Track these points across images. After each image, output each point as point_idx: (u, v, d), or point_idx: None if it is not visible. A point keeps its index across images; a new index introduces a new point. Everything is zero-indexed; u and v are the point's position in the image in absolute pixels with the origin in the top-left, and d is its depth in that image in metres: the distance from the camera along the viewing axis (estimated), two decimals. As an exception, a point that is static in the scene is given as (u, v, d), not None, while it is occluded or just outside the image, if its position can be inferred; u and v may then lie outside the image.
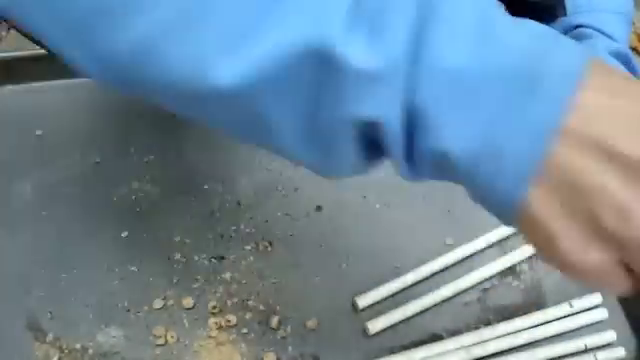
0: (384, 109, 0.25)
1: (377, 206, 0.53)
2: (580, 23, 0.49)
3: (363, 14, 0.25)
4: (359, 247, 0.51)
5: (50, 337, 0.45)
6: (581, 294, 0.49)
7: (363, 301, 0.47)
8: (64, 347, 0.45)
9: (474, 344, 0.46)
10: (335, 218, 0.52)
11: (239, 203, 0.53)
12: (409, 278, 0.49)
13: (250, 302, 0.48)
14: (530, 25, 0.27)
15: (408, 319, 0.47)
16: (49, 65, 0.59)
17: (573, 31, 0.50)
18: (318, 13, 0.25)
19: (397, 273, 0.49)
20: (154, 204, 0.52)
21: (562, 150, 0.25)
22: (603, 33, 0.48)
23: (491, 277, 0.50)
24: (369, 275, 0.49)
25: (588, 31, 0.49)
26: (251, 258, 0.50)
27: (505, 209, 0.27)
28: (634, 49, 1.98)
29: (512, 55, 0.25)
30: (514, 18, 0.27)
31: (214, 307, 0.47)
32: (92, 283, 0.48)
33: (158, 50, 0.27)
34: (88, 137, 0.56)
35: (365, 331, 0.47)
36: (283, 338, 0.46)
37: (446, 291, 0.48)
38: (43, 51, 0.59)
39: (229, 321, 0.46)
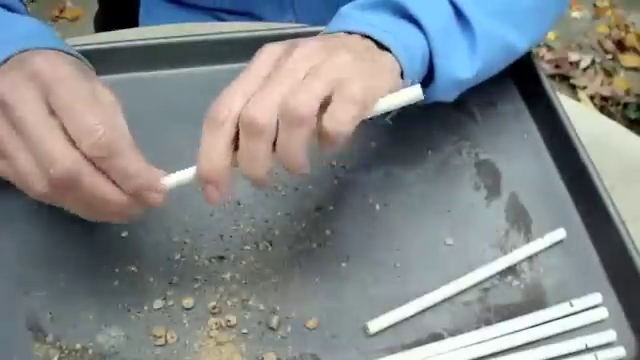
0: None
1: (377, 206, 0.53)
2: None
3: None
4: (359, 247, 0.51)
5: (50, 337, 0.45)
6: (581, 294, 0.49)
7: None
8: (64, 347, 0.45)
9: (474, 344, 0.46)
10: (335, 218, 0.52)
11: (239, 203, 0.53)
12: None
13: (250, 302, 0.48)
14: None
15: (408, 319, 0.47)
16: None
17: None
18: None
19: (397, 273, 0.50)
20: (154, 204, 0.52)
21: None
22: None
23: (491, 277, 0.50)
24: (369, 275, 0.49)
25: None
26: (251, 258, 0.50)
27: None
28: (634, 49, 1.98)
29: None
30: None
31: (214, 307, 0.47)
32: (92, 283, 0.48)
33: None
34: (88, 137, 0.55)
35: (365, 331, 0.47)
36: (283, 338, 0.46)
37: (446, 291, 0.48)
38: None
39: (229, 321, 0.46)
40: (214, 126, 0.38)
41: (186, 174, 0.40)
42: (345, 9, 0.48)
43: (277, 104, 0.38)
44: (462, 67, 0.49)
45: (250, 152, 0.38)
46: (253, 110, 0.37)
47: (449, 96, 0.51)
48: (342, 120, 0.38)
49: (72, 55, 0.44)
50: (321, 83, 0.38)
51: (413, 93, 0.41)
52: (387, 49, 0.43)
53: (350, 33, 0.44)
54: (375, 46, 0.44)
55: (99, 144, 0.36)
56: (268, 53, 0.40)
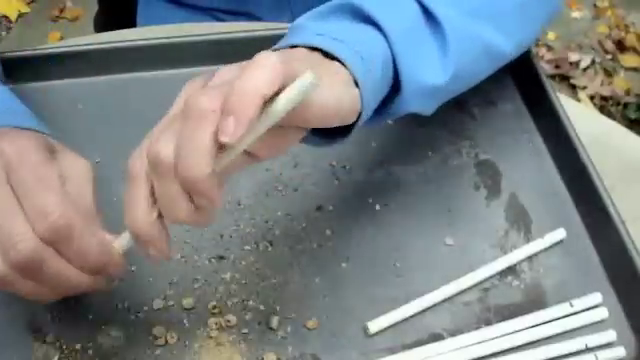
0: None
1: (377, 206, 0.53)
2: None
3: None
4: (359, 247, 0.51)
5: (50, 337, 0.45)
6: (581, 294, 0.49)
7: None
8: (64, 347, 0.45)
9: (474, 344, 0.46)
10: (335, 218, 0.52)
11: (239, 203, 0.53)
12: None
13: (250, 302, 0.48)
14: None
15: (408, 319, 0.47)
16: (49, 65, 0.59)
17: None
18: None
19: (397, 273, 0.50)
20: (154, 204, 0.52)
21: None
22: None
23: (491, 277, 0.50)
24: (369, 275, 0.49)
25: None
26: (251, 258, 0.50)
27: None
28: (634, 49, 1.98)
29: None
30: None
31: (214, 307, 0.47)
32: (92, 283, 0.48)
33: None
34: (88, 137, 0.56)
35: (365, 331, 0.47)
36: (283, 338, 0.46)
37: (446, 291, 0.48)
38: (42, 52, 0.59)
39: (229, 321, 0.46)
40: (129, 182, 0.36)
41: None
42: (299, 20, 0.44)
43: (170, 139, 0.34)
44: (432, 72, 0.44)
45: (165, 194, 0.35)
46: (156, 146, 0.34)
47: (423, 107, 0.46)
48: (247, 87, 0.32)
49: (40, 132, 0.43)
50: (225, 86, 0.33)
51: (304, 79, 0.34)
52: (338, 59, 0.39)
53: (296, 47, 0.40)
54: (323, 57, 0.39)
55: (53, 227, 0.36)
56: (184, 93, 0.37)
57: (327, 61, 0.39)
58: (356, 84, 0.39)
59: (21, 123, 0.42)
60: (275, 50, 0.41)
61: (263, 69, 0.32)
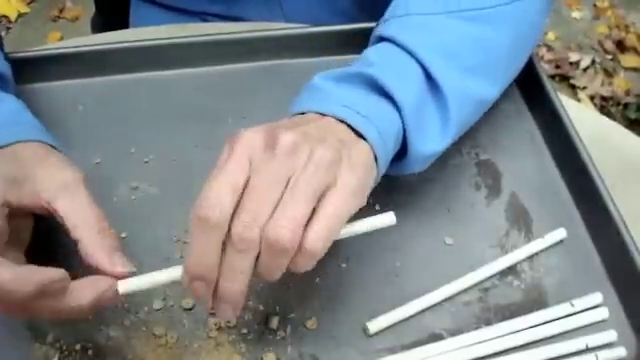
0: None
1: (377, 207, 0.53)
2: (383, 35, 0.49)
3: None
4: (359, 247, 0.51)
5: (50, 338, 0.45)
6: (582, 293, 0.48)
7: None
8: (64, 348, 0.45)
9: (474, 344, 0.46)
10: (335, 218, 0.52)
11: (239, 203, 0.53)
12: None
13: (250, 302, 0.47)
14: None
15: (408, 319, 0.47)
16: (49, 66, 0.59)
17: (377, 44, 0.49)
18: None
19: (397, 273, 0.49)
20: (154, 204, 0.52)
21: None
22: (401, 46, 0.47)
23: (491, 277, 0.50)
24: (369, 275, 0.49)
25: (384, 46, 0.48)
26: (251, 258, 0.50)
27: None
28: (634, 49, 1.98)
29: None
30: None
31: (214, 307, 0.47)
32: (92, 283, 0.48)
33: None
34: (88, 137, 0.56)
35: (365, 331, 0.46)
36: (283, 338, 0.46)
37: (446, 291, 0.48)
38: (43, 52, 0.59)
39: (228, 321, 0.46)
40: (208, 228, 0.37)
41: (162, 275, 0.40)
42: (319, 81, 0.46)
43: (261, 224, 0.37)
44: (434, 141, 0.47)
45: (273, 266, 0.38)
46: (241, 229, 0.37)
47: (419, 169, 0.49)
48: (318, 243, 0.38)
49: (43, 142, 0.45)
50: (301, 207, 0.37)
51: (386, 220, 0.42)
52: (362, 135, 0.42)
53: (323, 115, 0.43)
54: (350, 132, 0.42)
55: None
56: (246, 143, 0.38)
57: (354, 138, 0.42)
58: (375, 159, 0.42)
59: (25, 136, 0.44)
60: (299, 114, 0.44)
61: (338, 222, 0.39)
